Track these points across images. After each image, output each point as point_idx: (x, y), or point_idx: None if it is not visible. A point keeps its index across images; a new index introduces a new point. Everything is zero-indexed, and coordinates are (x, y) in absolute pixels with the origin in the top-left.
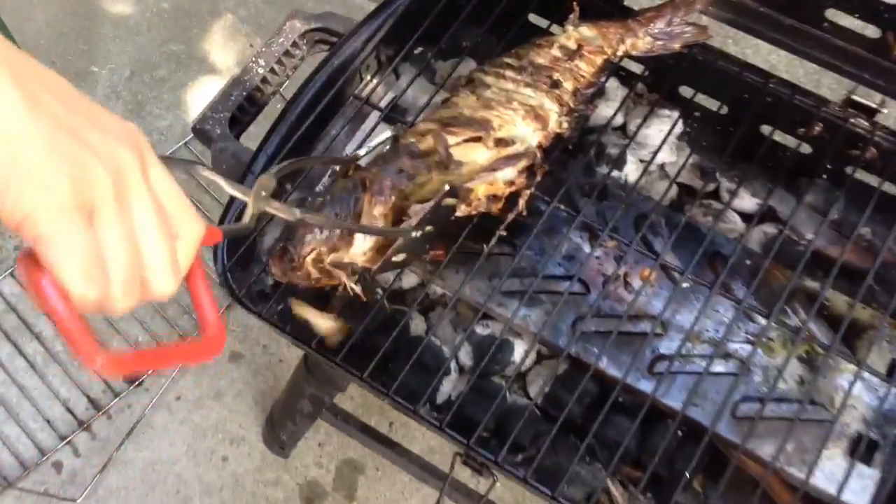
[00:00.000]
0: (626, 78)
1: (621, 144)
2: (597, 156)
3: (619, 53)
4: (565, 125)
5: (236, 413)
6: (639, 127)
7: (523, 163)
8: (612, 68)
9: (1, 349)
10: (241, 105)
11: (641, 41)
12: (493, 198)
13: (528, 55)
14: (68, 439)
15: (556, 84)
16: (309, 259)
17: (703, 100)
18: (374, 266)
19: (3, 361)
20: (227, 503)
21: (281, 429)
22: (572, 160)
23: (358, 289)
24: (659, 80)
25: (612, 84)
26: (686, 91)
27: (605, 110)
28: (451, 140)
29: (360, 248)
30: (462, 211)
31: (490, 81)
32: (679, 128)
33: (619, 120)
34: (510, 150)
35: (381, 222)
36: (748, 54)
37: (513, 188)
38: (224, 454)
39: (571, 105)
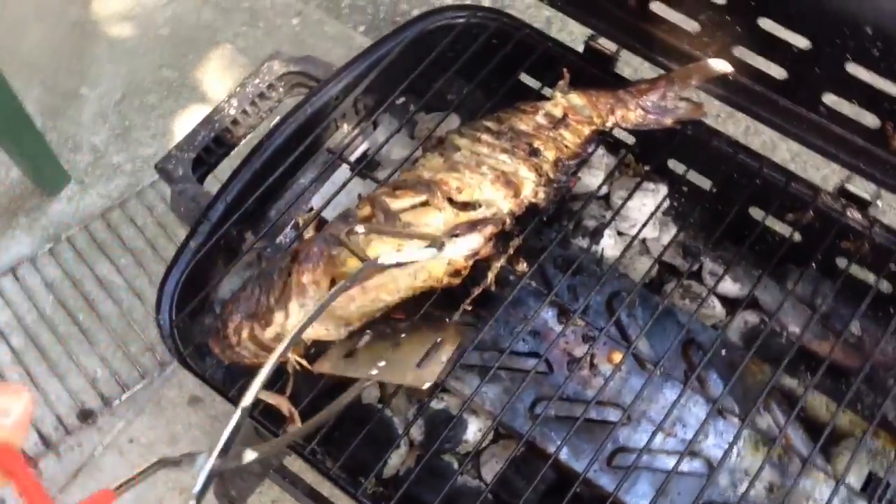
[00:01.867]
0: (614, 146)
1: (601, 216)
2: (574, 226)
3: (609, 125)
4: (542, 195)
5: None
6: (624, 200)
7: (490, 229)
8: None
9: None
10: (207, 146)
11: (632, 113)
12: (455, 273)
13: (510, 120)
14: None
15: (535, 152)
16: (244, 335)
17: (693, 176)
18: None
19: None
20: None
21: (231, 484)
22: (547, 229)
23: (303, 362)
24: (648, 152)
25: (599, 151)
26: (675, 165)
27: (589, 178)
28: (397, 204)
29: (298, 319)
30: (419, 285)
31: (462, 144)
32: (665, 201)
33: (602, 189)
34: (474, 215)
35: (311, 291)
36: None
37: (478, 257)
38: None
39: (550, 175)
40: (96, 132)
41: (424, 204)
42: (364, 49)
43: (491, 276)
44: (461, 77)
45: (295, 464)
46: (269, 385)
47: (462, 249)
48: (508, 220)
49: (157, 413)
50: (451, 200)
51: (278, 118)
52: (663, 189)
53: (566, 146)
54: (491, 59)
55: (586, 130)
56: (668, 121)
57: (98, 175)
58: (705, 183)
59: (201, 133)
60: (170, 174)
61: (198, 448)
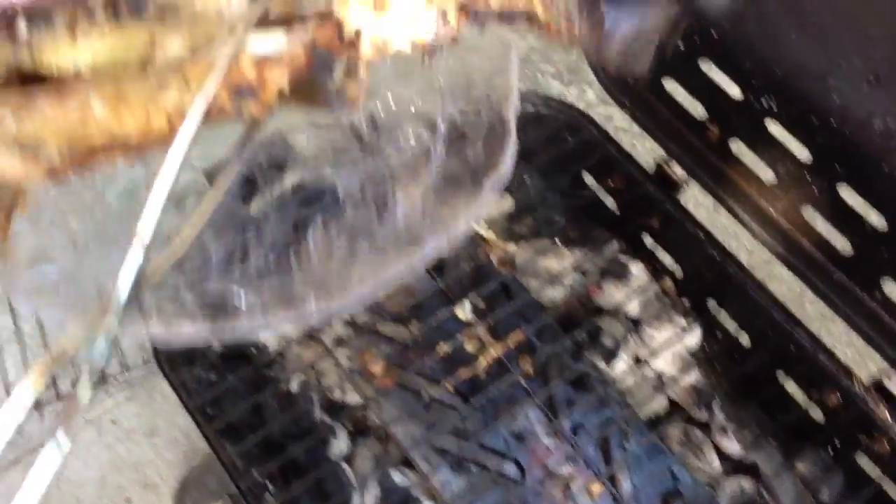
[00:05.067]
0: (658, 271)
1: (622, 338)
2: (590, 339)
3: None
4: (432, 28)
5: (161, 459)
6: (644, 322)
7: (307, 34)
8: (645, 255)
9: None
10: None
11: None
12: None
13: None
14: None
15: None
16: None
17: (730, 324)
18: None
19: None
20: None
21: (188, 495)
22: (563, 337)
23: None
24: (689, 285)
25: (639, 272)
26: (714, 306)
27: (620, 295)
28: None
29: None
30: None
31: None
32: (695, 342)
33: (633, 310)
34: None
35: None
36: None
37: (280, 75)
38: (130, 495)
39: (451, 18)
40: None
41: None
42: None
43: (483, 360)
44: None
45: None
46: None
47: (260, 46)
48: (347, 38)
49: (146, 402)
50: None
51: None
52: (697, 329)
53: None
54: (552, 149)
55: None
56: None
57: None
58: (743, 337)
59: None
60: None
61: (174, 448)
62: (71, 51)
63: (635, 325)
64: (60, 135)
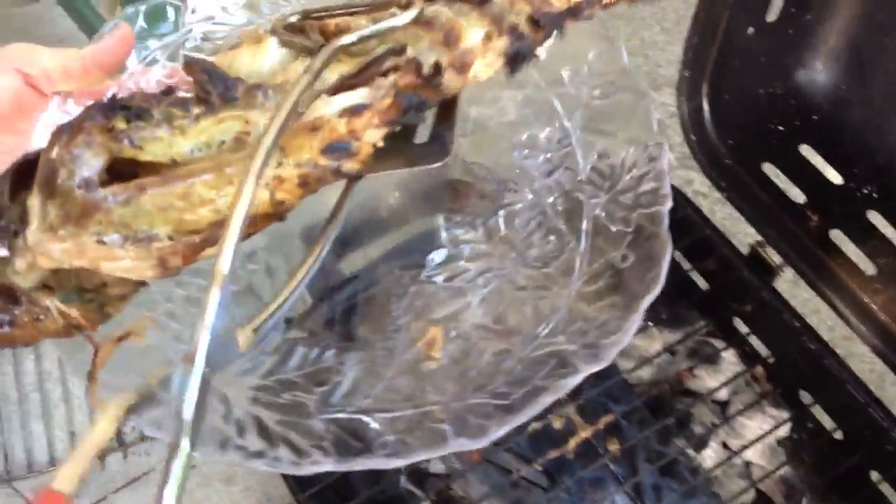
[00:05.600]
0: (748, 356)
1: (711, 424)
2: (678, 424)
3: None
4: (499, 46)
5: None
6: (738, 412)
7: (392, 79)
8: (736, 340)
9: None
10: None
11: None
12: (329, 151)
13: None
14: None
15: None
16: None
17: (825, 417)
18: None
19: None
20: None
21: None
22: (651, 420)
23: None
24: (781, 373)
25: (730, 357)
26: (807, 398)
27: (710, 381)
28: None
29: (38, 224)
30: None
31: None
32: (785, 432)
33: (723, 396)
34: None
35: (63, 172)
36: None
37: (372, 123)
38: None
39: (524, 29)
40: None
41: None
42: None
43: (572, 441)
44: None
45: None
46: None
47: (344, 99)
48: (427, 73)
49: None
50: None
51: None
52: (786, 419)
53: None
54: None
55: None
56: None
57: None
58: (836, 432)
59: None
60: None
61: (249, 496)
62: (170, 140)
63: (724, 411)
64: (168, 220)
